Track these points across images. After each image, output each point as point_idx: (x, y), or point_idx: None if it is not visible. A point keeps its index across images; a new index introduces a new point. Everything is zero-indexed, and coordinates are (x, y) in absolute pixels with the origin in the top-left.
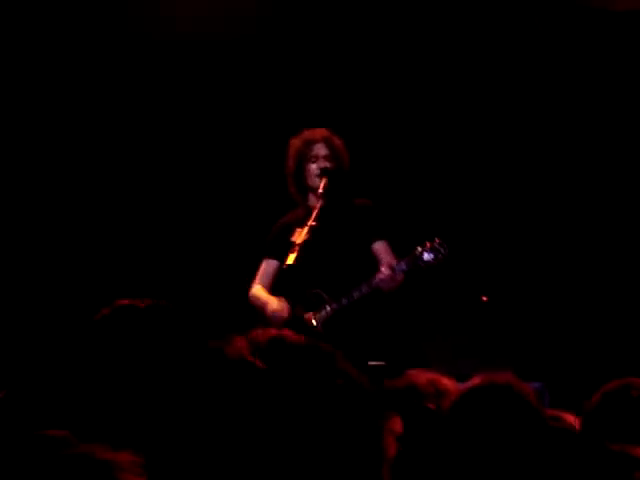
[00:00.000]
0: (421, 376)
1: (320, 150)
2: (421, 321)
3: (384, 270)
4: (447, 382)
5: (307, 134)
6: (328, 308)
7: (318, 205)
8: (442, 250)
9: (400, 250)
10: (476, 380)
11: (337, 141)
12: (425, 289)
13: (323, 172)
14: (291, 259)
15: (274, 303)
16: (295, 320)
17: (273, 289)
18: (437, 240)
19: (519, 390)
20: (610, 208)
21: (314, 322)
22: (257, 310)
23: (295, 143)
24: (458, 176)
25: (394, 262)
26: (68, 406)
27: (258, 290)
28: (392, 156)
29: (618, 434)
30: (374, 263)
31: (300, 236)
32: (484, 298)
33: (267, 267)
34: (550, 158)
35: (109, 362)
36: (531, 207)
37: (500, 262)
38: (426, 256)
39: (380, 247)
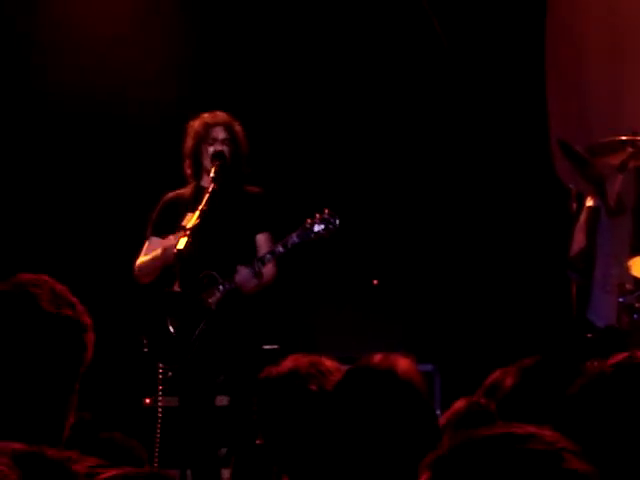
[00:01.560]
0: (302, 359)
1: (219, 133)
2: (313, 304)
3: (241, 271)
4: (329, 363)
5: (207, 117)
6: (221, 287)
7: (210, 189)
8: (332, 220)
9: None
10: (356, 364)
11: (237, 126)
12: (317, 272)
13: (216, 156)
14: (182, 244)
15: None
16: (189, 301)
17: (164, 272)
18: (326, 211)
19: (401, 373)
20: (497, 201)
21: (206, 302)
22: (146, 278)
23: (194, 125)
24: (352, 164)
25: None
26: None
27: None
28: (286, 141)
29: (537, 413)
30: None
31: (190, 220)
32: (375, 281)
33: (152, 246)
34: (435, 145)
35: None
36: (419, 188)
37: (390, 245)
38: (317, 227)
39: (261, 239)
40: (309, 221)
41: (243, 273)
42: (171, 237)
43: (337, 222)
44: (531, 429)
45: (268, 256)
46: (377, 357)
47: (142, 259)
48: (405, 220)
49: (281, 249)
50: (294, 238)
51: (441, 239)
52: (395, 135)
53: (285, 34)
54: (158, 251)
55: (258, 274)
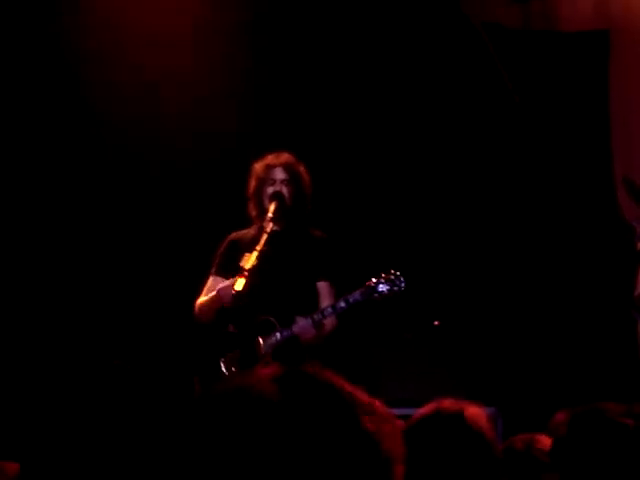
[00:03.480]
0: None
1: (278, 174)
2: (373, 346)
3: (300, 322)
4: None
5: (269, 158)
6: (278, 335)
7: (268, 229)
8: (397, 282)
9: (354, 281)
10: (425, 409)
11: (298, 167)
12: (378, 314)
13: (274, 196)
14: (239, 285)
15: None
16: (244, 344)
17: (221, 313)
18: (393, 272)
19: (470, 419)
20: (561, 240)
21: (262, 348)
22: (204, 318)
23: (257, 167)
24: (412, 205)
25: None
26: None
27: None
28: (351, 185)
29: (590, 459)
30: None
31: (249, 261)
32: (436, 323)
33: (215, 284)
34: (498, 190)
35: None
36: (483, 232)
37: (452, 287)
38: (381, 287)
39: (322, 288)
40: (374, 280)
41: (302, 324)
42: (227, 281)
43: (403, 285)
44: None
45: (329, 310)
46: (446, 402)
47: (201, 299)
48: (467, 262)
49: (343, 305)
50: (357, 296)
51: (504, 280)
52: (458, 181)
53: (353, 76)
54: (214, 294)
55: (318, 326)
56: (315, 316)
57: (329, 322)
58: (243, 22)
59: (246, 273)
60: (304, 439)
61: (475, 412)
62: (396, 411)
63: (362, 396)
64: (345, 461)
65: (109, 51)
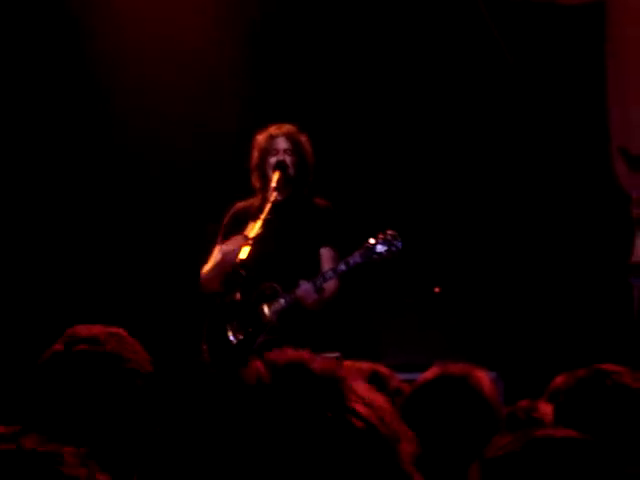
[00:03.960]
0: (359, 366)
1: (281, 144)
2: (375, 312)
3: (302, 285)
4: (385, 370)
5: (272, 129)
6: (282, 301)
7: (272, 198)
8: (395, 242)
9: (356, 247)
10: (430, 373)
11: (300, 136)
12: (379, 280)
13: (277, 166)
14: (244, 253)
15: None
16: (249, 311)
17: (227, 282)
18: (390, 232)
19: (474, 383)
20: (558, 208)
21: (267, 314)
22: (210, 285)
23: (259, 137)
24: (411, 169)
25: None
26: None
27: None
28: (349, 150)
29: (591, 423)
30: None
31: (253, 230)
32: (437, 289)
33: (218, 253)
34: (495, 159)
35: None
36: (481, 199)
37: (452, 253)
38: (379, 248)
39: (325, 253)
40: (371, 241)
41: (304, 287)
42: (230, 242)
43: (400, 244)
44: None
45: (330, 273)
46: (451, 366)
47: (206, 267)
48: (466, 227)
49: (343, 267)
50: (357, 258)
51: (502, 246)
52: (455, 144)
53: (349, 54)
54: (219, 257)
55: (319, 289)
56: (317, 280)
57: (330, 285)
58: (245, 22)
59: (250, 241)
60: (297, 430)
61: (479, 376)
62: (397, 376)
63: (354, 380)
64: (344, 450)
65: (110, 51)
